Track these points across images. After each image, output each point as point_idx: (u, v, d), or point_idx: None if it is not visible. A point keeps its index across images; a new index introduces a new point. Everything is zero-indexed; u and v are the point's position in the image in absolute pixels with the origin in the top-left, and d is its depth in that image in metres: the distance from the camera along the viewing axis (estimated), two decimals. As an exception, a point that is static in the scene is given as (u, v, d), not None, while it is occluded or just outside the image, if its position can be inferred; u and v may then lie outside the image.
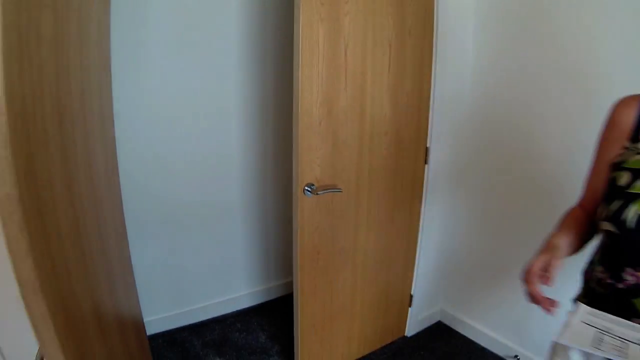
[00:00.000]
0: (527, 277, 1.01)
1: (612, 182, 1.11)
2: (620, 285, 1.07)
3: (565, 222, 1.22)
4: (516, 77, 2.28)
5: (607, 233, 1.09)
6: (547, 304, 0.96)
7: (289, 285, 3.12)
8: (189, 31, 2.38)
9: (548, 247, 1.07)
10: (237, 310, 2.98)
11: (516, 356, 2.54)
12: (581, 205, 1.28)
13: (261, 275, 3.09)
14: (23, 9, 0.83)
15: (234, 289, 2.97)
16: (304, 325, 2.21)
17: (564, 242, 1.12)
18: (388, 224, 2.37)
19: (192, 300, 2.82)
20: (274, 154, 2.87)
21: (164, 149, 2.46)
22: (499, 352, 2.62)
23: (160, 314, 2.68)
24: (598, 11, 1.94)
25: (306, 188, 1.96)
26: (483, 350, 2.66)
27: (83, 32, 1.33)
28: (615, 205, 1.05)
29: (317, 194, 1.98)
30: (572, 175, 1.72)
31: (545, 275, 1.00)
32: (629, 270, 1.06)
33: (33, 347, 1.04)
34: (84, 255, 1.26)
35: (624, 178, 1.07)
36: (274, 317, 2.92)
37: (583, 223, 1.22)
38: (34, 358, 1.00)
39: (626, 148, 1.14)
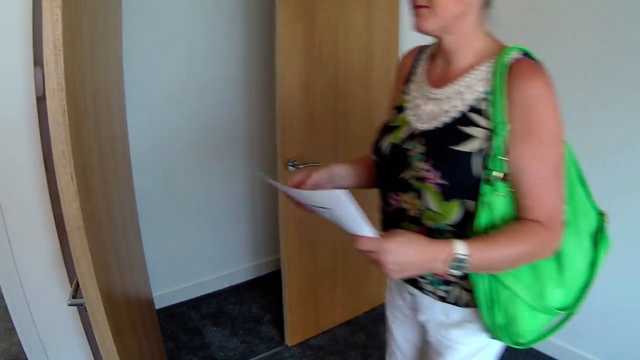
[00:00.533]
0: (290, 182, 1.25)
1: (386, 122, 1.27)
2: (389, 209, 1.22)
3: (356, 160, 1.40)
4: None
5: (374, 163, 1.25)
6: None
7: (279, 261, 3.42)
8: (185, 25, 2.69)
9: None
10: (231, 285, 3.27)
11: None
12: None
13: (253, 251, 3.38)
14: (72, 13, 1.11)
15: (228, 266, 3.26)
16: (291, 290, 2.50)
17: (342, 168, 1.33)
18: (362, 194, 2.66)
19: (189, 277, 3.09)
20: (260, 137, 3.17)
21: (166, 128, 2.77)
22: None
23: (159, 291, 2.93)
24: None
25: (289, 164, 2.25)
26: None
27: (106, 28, 1.63)
28: (379, 137, 1.23)
29: (298, 167, 2.27)
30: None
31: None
32: (390, 194, 1.20)
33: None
34: (110, 213, 1.55)
35: (391, 115, 1.26)
36: (266, 290, 3.21)
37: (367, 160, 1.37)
38: (71, 287, 1.28)
39: (401, 90, 1.28)
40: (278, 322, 2.74)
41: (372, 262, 0.96)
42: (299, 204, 1.14)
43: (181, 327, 2.78)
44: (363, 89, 2.49)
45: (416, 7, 1.04)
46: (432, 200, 1.09)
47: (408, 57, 1.33)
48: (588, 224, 1.15)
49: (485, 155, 1.02)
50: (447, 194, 1.07)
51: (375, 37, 2.48)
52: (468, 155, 1.03)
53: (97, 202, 1.35)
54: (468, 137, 1.04)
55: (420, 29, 1.05)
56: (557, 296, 1.09)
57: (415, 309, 1.31)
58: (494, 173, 1.01)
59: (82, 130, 1.19)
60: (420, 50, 1.31)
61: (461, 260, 0.95)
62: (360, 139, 2.50)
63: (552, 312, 1.10)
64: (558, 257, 1.09)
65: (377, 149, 1.22)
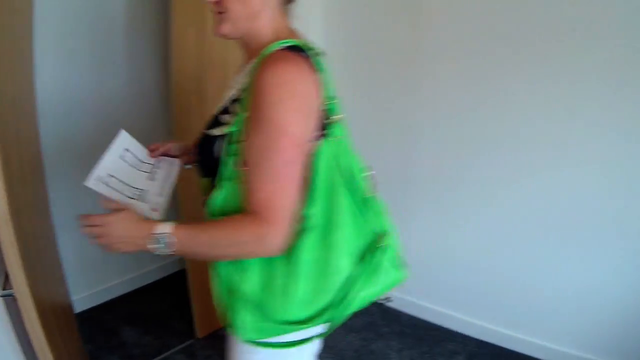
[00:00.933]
0: None
1: None
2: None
3: None
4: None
5: None
6: None
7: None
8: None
9: None
10: (142, 286, 3.32)
11: (388, 297, 3.10)
12: None
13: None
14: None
15: (136, 268, 3.32)
16: (195, 286, 2.64)
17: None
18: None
19: (100, 281, 3.11)
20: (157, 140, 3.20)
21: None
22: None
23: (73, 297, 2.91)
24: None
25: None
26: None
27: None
28: None
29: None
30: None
31: None
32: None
33: None
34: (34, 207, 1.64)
35: None
36: (175, 288, 3.30)
37: None
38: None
39: None
40: (188, 317, 2.84)
41: (94, 237, 1.07)
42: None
43: (97, 330, 2.82)
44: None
45: (215, 14, 1.11)
46: (199, 174, 1.23)
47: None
48: (350, 240, 1.09)
49: (228, 142, 1.07)
50: (201, 171, 1.20)
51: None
52: (213, 138, 1.11)
53: (20, 200, 1.44)
54: (221, 123, 1.11)
55: (217, 34, 1.12)
56: (287, 306, 1.06)
57: None
58: (230, 159, 1.06)
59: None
60: None
61: (159, 240, 1.02)
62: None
63: (276, 322, 1.07)
64: (295, 265, 1.05)
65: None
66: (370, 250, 1.12)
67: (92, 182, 1.21)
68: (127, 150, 1.32)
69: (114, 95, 2.87)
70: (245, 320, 1.08)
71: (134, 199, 1.26)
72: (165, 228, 1.03)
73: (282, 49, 1.04)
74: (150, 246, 1.03)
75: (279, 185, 1.00)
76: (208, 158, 1.12)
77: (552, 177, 2.39)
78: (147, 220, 1.09)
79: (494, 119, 2.49)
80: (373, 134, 2.86)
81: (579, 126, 2.27)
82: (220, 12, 1.09)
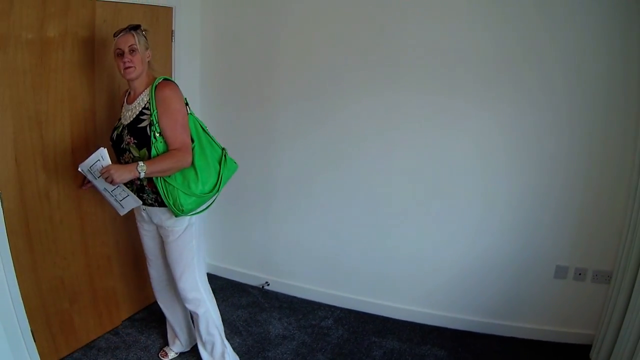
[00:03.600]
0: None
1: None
2: (121, 163, 2.30)
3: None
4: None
5: (111, 146, 2.36)
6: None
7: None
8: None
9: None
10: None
11: (266, 282, 3.69)
12: None
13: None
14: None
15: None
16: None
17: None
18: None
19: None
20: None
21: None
22: (253, 282, 3.75)
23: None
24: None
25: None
26: (240, 284, 3.77)
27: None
28: (111, 133, 2.39)
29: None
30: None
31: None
32: (120, 157, 2.32)
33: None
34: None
35: (116, 122, 2.41)
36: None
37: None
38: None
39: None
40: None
41: (107, 179, 2.07)
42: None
43: None
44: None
45: (126, 68, 2.21)
46: (134, 151, 2.24)
47: (125, 94, 2.43)
48: (214, 153, 2.39)
49: (150, 125, 2.21)
50: (138, 146, 2.23)
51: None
52: (145, 127, 2.22)
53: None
54: (142, 120, 2.24)
55: (129, 78, 2.26)
56: (198, 187, 2.29)
57: (150, 218, 2.42)
58: (156, 133, 2.21)
59: None
60: (127, 90, 2.42)
61: (141, 167, 2.10)
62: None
63: (196, 196, 2.28)
64: (194, 169, 2.29)
65: (112, 139, 2.36)
66: (224, 157, 2.42)
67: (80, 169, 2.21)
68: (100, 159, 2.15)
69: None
70: (183, 201, 2.24)
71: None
72: (141, 163, 2.11)
73: (162, 80, 2.28)
74: (136, 172, 2.09)
75: (185, 135, 2.27)
76: (144, 137, 2.22)
77: (384, 169, 3.20)
78: (127, 165, 2.17)
79: (331, 139, 3.28)
80: (246, 149, 3.48)
81: (406, 122, 3.10)
82: (130, 67, 2.22)
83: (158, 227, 2.46)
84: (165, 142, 2.23)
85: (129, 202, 2.30)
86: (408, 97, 3.05)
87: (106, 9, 2.64)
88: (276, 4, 3.28)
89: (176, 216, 2.30)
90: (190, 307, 2.51)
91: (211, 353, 2.62)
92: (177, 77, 3.20)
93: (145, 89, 2.29)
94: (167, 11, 3.12)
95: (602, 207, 2.84)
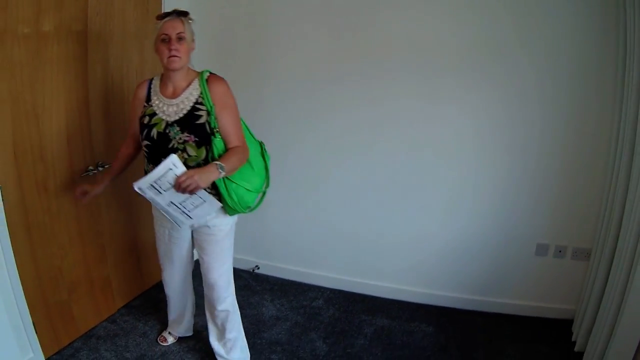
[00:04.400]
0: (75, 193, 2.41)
1: (141, 124, 2.19)
2: None
3: (113, 164, 2.47)
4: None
5: (147, 146, 2.18)
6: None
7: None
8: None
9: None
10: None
11: (257, 266, 3.77)
12: (126, 144, 2.46)
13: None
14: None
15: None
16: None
17: (109, 176, 2.48)
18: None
19: None
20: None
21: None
22: (244, 266, 3.82)
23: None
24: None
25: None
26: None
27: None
28: (147, 132, 2.15)
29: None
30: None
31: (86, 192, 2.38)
32: (162, 159, 2.00)
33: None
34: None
35: (146, 119, 2.17)
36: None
37: (124, 156, 2.46)
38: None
39: (144, 106, 2.23)
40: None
41: (188, 187, 1.93)
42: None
43: None
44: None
45: (170, 57, 2.07)
46: (192, 150, 2.11)
47: (142, 88, 2.29)
48: (255, 148, 2.34)
49: (208, 122, 2.11)
50: (198, 144, 2.11)
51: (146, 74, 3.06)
52: (203, 123, 2.11)
53: None
54: (199, 116, 2.12)
55: (171, 68, 2.10)
56: (255, 183, 2.28)
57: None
58: (215, 130, 2.11)
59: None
60: (150, 81, 2.27)
61: (221, 166, 2.02)
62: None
63: (257, 191, 2.31)
64: (250, 164, 2.26)
65: (150, 138, 2.15)
66: (264, 150, 2.43)
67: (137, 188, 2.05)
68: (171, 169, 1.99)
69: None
70: (248, 198, 2.25)
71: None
72: (218, 162, 2.03)
73: (210, 73, 2.20)
74: (218, 172, 2.01)
75: (241, 131, 2.24)
76: (204, 134, 2.10)
77: (376, 153, 3.28)
78: (208, 164, 2.06)
79: (325, 122, 3.34)
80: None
81: (387, 114, 3.18)
82: (174, 56, 2.08)
83: (197, 230, 2.36)
84: (223, 141, 2.15)
85: (204, 209, 2.14)
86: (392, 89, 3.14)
87: (99, 1, 2.64)
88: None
89: (231, 214, 2.29)
90: (223, 305, 2.46)
91: (232, 348, 2.59)
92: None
93: (190, 82, 2.18)
94: (157, 2, 3.11)
95: (580, 187, 2.96)
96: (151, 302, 3.28)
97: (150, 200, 2.11)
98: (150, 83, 2.26)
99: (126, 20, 2.88)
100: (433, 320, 3.23)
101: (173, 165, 1.95)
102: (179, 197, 2.04)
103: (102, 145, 2.82)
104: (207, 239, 2.34)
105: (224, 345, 2.58)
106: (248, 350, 2.70)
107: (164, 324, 2.99)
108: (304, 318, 3.23)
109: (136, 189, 2.03)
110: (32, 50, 2.31)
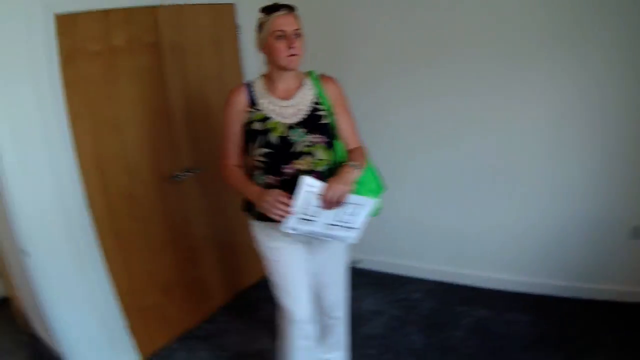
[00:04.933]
0: (276, 207, 1.79)
1: (250, 132, 1.92)
2: (285, 177, 1.89)
3: (242, 179, 2.00)
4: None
5: (265, 154, 1.90)
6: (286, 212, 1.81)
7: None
8: None
9: (264, 192, 1.85)
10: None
11: (359, 260, 3.63)
12: (233, 164, 2.03)
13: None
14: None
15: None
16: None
17: (256, 187, 1.94)
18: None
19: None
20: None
21: None
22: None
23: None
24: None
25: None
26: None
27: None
28: (262, 138, 1.89)
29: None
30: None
31: (284, 202, 1.79)
32: (284, 167, 1.89)
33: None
34: None
35: (256, 125, 1.90)
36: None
37: (244, 173, 2.02)
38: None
39: (249, 112, 1.93)
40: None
41: (337, 200, 1.77)
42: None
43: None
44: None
45: (291, 55, 1.84)
46: (321, 153, 1.93)
47: (240, 93, 1.97)
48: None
49: (329, 123, 1.96)
50: (329, 145, 1.96)
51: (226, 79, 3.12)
52: (327, 124, 1.95)
53: None
54: (321, 117, 1.94)
55: (291, 67, 1.88)
56: (380, 186, 2.06)
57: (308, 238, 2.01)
58: (336, 131, 1.98)
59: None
60: (248, 85, 2.00)
61: (355, 165, 1.87)
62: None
63: (381, 196, 2.05)
64: (371, 170, 2.05)
65: (268, 144, 1.90)
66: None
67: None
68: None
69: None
70: (377, 204, 1.94)
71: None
72: (351, 163, 1.89)
73: (319, 73, 2.03)
74: (355, 172, 1.85)
75: (359, 133, 2.09)
76: (331, 136, 1.97)
77: (474, 145, 3.08)
78: (343, 167, 1.88)
79: (429, 107, 3.15)
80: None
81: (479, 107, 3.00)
82: (294, 55, 1.85)
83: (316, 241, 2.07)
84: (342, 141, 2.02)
85: (362, 212, 1.86)
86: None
87: (170, 11, 2.69)
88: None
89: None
90: (339, 313, 2.34)
91: (343, 350, 2.49)
92: (246, 71, 3.23)
93: (302, 81, 1.98)
94: (229, 8, 3.12)
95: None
96: (246, 302, 3.33)
97: (308, 235, 1.92)
98: (249, 87, 1.99)
99: (199, 27, 2.93)
100: (529, 309, 3.01)
101: (308, 185, 1.75)
102: (332, 215, 1.84)
103: (187, 152, 2.89)
104: (329, 253, 2.16)
105: (341, 348, 2.50)
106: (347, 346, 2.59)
107: (260, 322, 3.01)
108: (402, 311, 3.12)
109: (289, 231, 1.84)
110: (105, 65, 2.41)
